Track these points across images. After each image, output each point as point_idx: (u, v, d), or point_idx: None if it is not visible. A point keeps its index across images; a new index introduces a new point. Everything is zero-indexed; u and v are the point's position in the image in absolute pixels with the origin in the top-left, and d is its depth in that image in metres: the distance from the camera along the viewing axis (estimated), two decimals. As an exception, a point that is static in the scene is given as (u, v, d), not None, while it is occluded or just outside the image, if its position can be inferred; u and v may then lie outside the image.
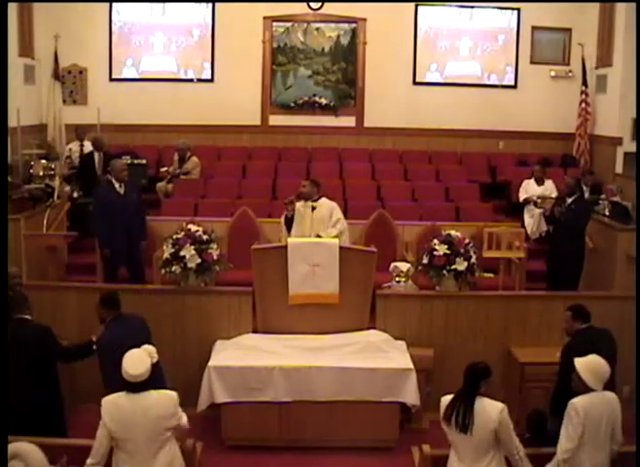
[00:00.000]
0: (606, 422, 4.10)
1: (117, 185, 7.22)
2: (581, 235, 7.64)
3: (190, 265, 6.01)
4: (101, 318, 4.95)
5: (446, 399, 4.11)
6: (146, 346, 4.16)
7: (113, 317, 4.90)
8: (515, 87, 11.54)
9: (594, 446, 4.07)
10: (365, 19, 11.29)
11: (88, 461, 3.89)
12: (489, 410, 3.96)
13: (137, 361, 3.97)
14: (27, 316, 4.73)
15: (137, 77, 11.38)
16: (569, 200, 7.59)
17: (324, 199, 6.97)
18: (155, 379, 4.15)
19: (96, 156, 9.30)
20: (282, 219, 6.94)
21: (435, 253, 6.14)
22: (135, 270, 7.22)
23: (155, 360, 4.09)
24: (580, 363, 4.16)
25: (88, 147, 10.02)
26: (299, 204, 6.87)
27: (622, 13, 10.06)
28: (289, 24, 11.34)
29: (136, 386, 3.92)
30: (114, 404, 3.90)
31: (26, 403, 4.55)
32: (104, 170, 9.02)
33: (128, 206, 7.16)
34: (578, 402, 4.05)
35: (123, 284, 6.68)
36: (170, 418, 3.96)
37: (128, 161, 9.16)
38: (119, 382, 4.01)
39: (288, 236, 6.70)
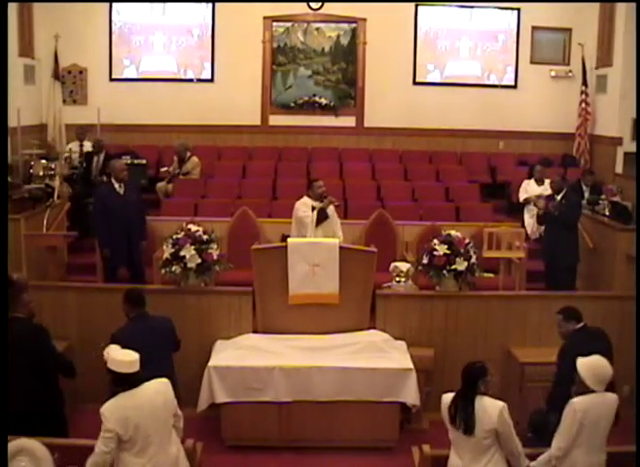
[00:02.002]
0: (605, 424, 4.09)
1: (116, 185, 7.21)
2: (574, 230, 7.70)
3: (190, 265, 6.01)
4: (126, 314, 5.03)
5: (447, 397, 4.11)
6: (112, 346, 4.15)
7: (135, 315, 4.94)
8: (515, 87, 11.55)
9: (591, 446, 4.06)
10: (365, 19, 11.30)
11: None
12: (490, 409, 3.96)
13: (124, 352, 3.98)
14: (19, 315, 4.71)
15: (137, 77, 11.38)
16: (558, 197, 7.68)
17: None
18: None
19: (95, 157, 9.28)
20: (309, 217, 6.85)
21: (435, 253, 6.14)
22: (135, 270, 7.21)
23: None
24: (581, 364, 4.15)
25: (87, 147, 10.03)
26: (315, 204, 6.90)
27: (622, 13, 10.07)
28: (289, 24, 11.35)
29: (132, 379, 3.90)
30: (117, 406, 3.85)
31: (24, 403, 4.53)
32: (102, 172, 9.04)
33: (128, 206, 7.16)
34: (577, 402, 4.04)
35: (123, 284, 6.68)
36: (172, 402, 4.03)
37: (128, 161, 9.17)
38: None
39: (315, 231, 6.76)
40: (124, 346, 4.41)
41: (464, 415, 3.96)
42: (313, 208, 6.91)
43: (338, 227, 7.09)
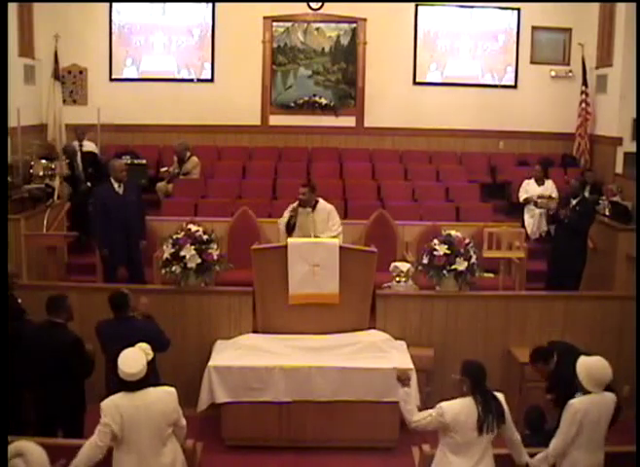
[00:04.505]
0: (604, 423, 4.10)
1: (116, 185, 7.21)
2: (583, 236, 7.65)
3: (190, 265, 6.02)
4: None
5: (453, 406, 3.99)
6: (141, 344, 4.16)
7: (117, 316, 4.97)
8: (515, 87, 11.54)
9: (591, 446, 4.08)
10: (365, 19, 11.29)
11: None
12: None
13: (132, 360, 3.98)
14: (60, 320, 4.75)
15: (137, 77, 11.38)
16: (573, 202, 7.62)
17: (321, 202, 6.97)
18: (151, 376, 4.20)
19: (73, 164, 9.21)
20: (282, 224, 6.88)
21: (435, 253, 6.14)
22: (135, 271, 7.21)
23: (150, 357, 4.10)
24: (580, 364, 4.15)
25: (87, 147, 10.02)
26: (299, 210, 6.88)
27: (622, 13, 10.06)
28: (289, 24, 11.34)
29: (134, 385, 3.94)
30: (115, 405, 3.90)
31: (48, 404, 4.64)
32: (85, 174, 9.03)
33: (127, 206, 7.16)
34: (576, 403, 4.05)
35: (122, 284, 6.69)
36: (172, 413, 4.00)
37: (128, 161, 9.17)
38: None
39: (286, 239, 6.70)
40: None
41: (494, 415, 3.93)
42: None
43: (335, 230, 6.93)
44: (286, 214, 6.92)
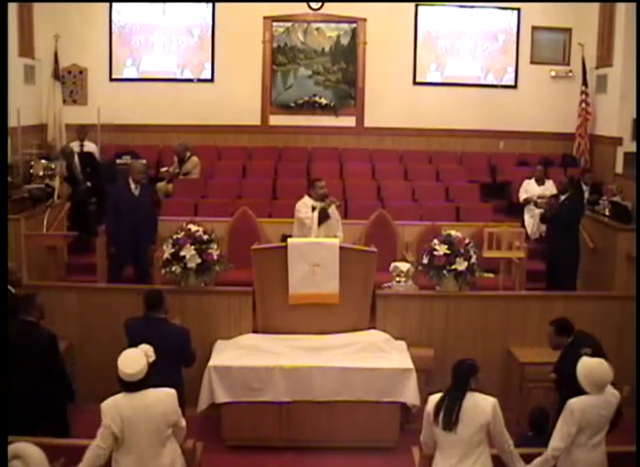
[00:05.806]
0: (605, 422, 4.09)
1: (133, 186, 7.25)
2: (575, 231, 7.74)
3: (190, 265, 6.02)
4: None
5: (434, 398, 4.07)
6: (142, 346, 4.16)
7: (147, 315, 4.98)
8: (515, 87, 11.55)
9: (591, 446, 4.06)
10: (365, 19, 11.30)
11: None
12: (482, 404, 3.96)
13: (132, 360, 3.96)
14: (32, 319, 4.73)
15: (137, 77, 11.38)
16: (562, 197, 7.73)
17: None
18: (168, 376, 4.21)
19: (72, 165, 9.22)
20: (312, 218, 6.81)
21: (435, 253, 6.14)
22: (141, 271, 7.22)
23: (151, 360, 4.08)
24: (581, 365, 4.14)
25: (88, 147, 10.03)
26: (315, 204, 6.90)
27: (622, 13, 10.07)
28: (289, 24, 11.35)
29: (133, 386, 3.92)
30: (115, 405, 3.88)
31: (28, 403, 4.58)
32: (84, 173, 9.05)
33: (141, 208, 7.19)
34: (575, 403, 4.04)
35: (124, 284, 6.70)
36: (172, 415, 3.99)
37: (128, 162, 9.16)
38: None
39: (317, 231, 6.73)
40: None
41: (449, 411, 3.94)
42: (314, 208, 6.91)
43: (339, 227, 7.07)
44: (305, 210, 6.88)
